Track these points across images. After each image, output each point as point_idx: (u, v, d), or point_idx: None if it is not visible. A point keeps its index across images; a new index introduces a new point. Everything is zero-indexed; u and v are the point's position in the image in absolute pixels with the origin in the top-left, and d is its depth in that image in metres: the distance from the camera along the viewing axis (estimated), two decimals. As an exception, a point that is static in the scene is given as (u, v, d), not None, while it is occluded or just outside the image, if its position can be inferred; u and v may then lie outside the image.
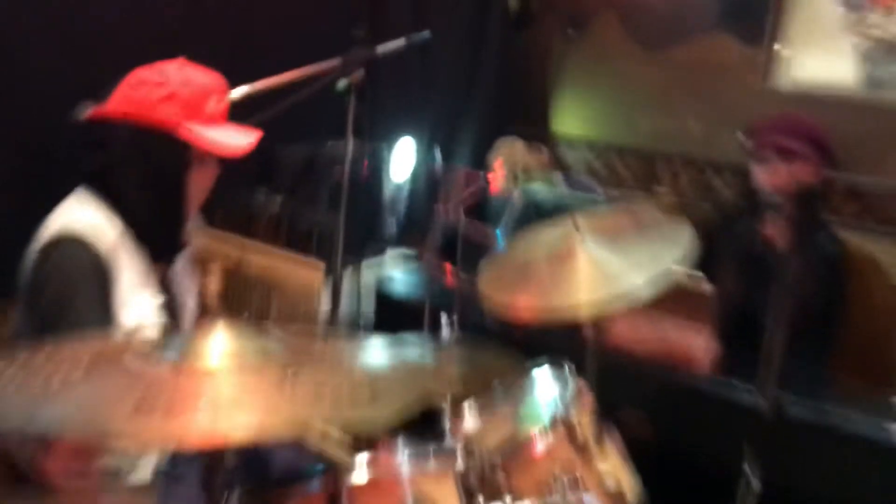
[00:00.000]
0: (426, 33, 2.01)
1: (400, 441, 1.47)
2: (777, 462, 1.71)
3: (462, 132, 3.47)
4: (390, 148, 3.00)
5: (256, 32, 2.70)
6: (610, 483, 1.52)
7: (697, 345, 2.23)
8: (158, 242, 1.67)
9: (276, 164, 2.76)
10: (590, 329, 1.77)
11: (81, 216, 1.59)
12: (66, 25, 2.16)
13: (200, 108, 1.63)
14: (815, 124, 2.59)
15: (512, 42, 3.62)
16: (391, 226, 3.03)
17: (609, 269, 1.70)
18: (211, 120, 1.65)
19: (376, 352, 1.34)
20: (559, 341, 1.85)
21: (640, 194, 3.40)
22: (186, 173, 1.65)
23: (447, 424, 1.70)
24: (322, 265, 2.51)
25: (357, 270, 2.62)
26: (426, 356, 1.37)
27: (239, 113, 1.74)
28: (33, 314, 1.56)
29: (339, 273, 1.80)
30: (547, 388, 1.65)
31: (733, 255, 2.57)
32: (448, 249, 2.48)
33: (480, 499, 1.41)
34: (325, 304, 2.42)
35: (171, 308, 1.72)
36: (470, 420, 1.64)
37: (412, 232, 3.07)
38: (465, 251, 2.39)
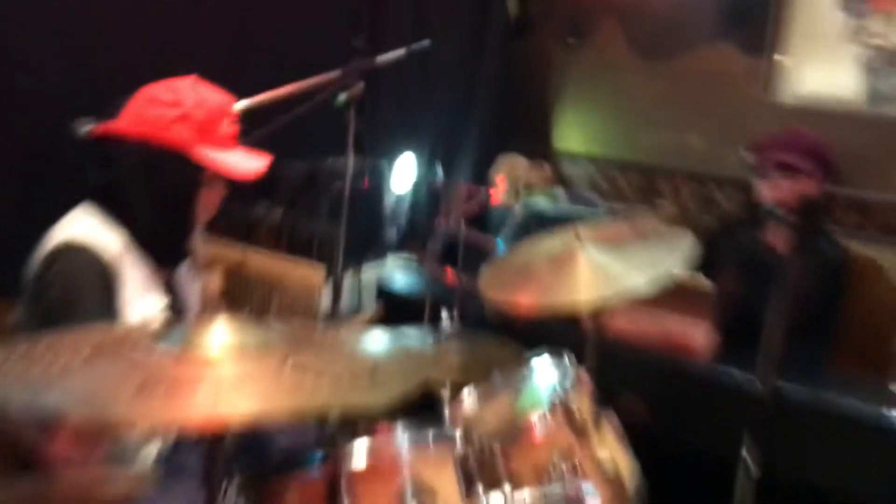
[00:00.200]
0: (426, 42, 2.00)
1: (399, 427, 1.47)
2: (776, 448, 1.71)
3: (463, 147, 3.46)
4: (391, 163, 3.00)
5: (256, 42, 2.70)
6: (609, 469, 1.52)
7: (697, 336, 2.24)
8: (163, 253, 1.68)
9: (277, 179, 2.75)
10: (589, 321, 1.78)
11: (86, 228, 1.58)
12: (66, 29, 2.15)
13: (213, 130, 1.62)
14: (817, 139, 2.60)
15: (512, 54, 3.61)
16: (392, 235, 3.03)
17: (609, 270, 1.70)
18: (223, 142, 1.64)
19: (376, 340, 1.34)
20: (559, 333, 1.85)
21: (642, 208, 3.39)
22: (196, 194, 1.65)
23: (446, 410, 1.71)
24: (323, 266, 2.51)
25: (357, 271, 2.63)
26: (426, 345, 1.38)
27: (240, 128, 1.72)
28: (36, 317, 1.55)
29: (340, 274, 1.79)
30: (546, 375, 1.66)
31: (735, 259, 2.58)
32: (449, 255, 2.47)
33: (479, 485, 1.41)
34: (325, 301, 2.43)
35: (176, 309, 1.72)
36: (469, 406, 1.65)
37: (413, 240, 3.07)
38: (467, 256, 2.38)
